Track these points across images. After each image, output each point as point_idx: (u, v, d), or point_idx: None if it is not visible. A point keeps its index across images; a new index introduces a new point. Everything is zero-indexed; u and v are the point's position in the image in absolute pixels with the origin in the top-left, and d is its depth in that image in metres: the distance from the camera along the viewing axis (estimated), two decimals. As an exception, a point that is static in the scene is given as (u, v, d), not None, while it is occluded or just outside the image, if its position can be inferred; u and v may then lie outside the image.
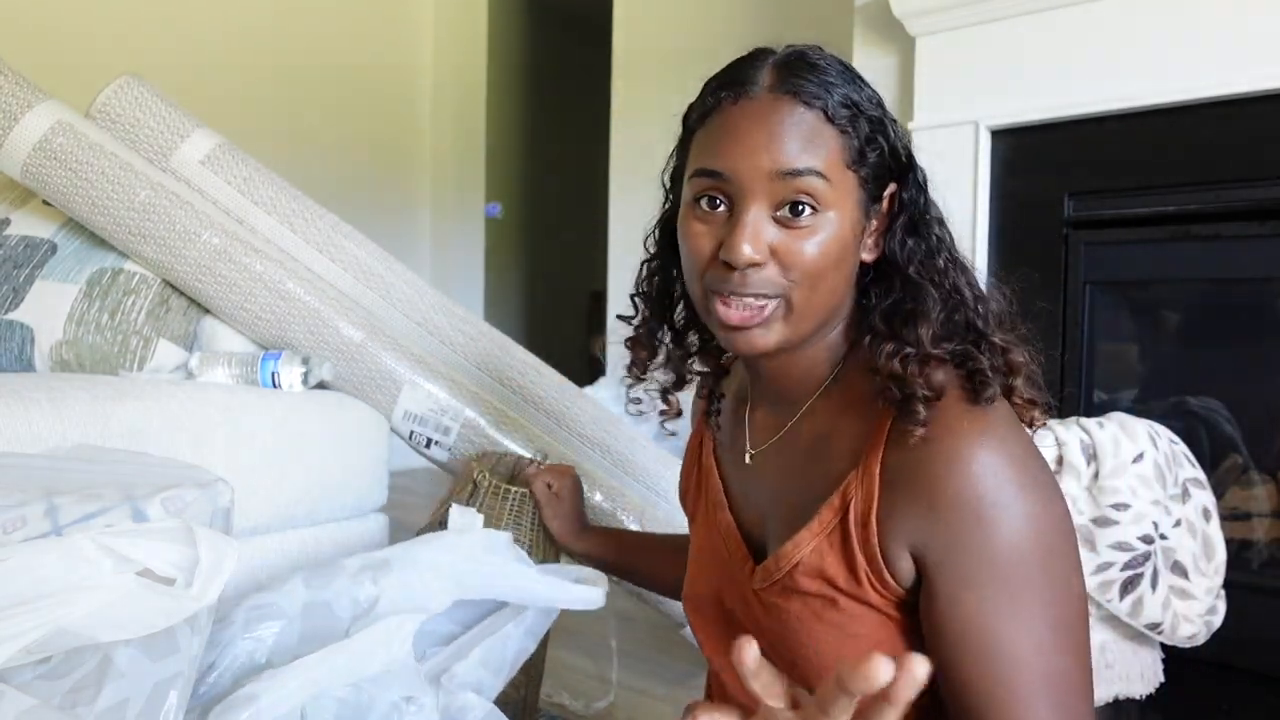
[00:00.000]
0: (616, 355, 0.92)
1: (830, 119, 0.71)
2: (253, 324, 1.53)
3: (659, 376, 0.90)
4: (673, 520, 1.58)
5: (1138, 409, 1.80)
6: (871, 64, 2.11)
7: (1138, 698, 1.31)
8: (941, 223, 0.78)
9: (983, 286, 0.78)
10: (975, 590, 0.66)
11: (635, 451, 1.65)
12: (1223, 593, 1.30)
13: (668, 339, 0.89)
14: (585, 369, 4.49)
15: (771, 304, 0.72)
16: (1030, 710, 0.65)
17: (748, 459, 0.84)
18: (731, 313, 0.73)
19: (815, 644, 0.74)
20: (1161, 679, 1.33)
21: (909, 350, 0.71)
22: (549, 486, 1.20)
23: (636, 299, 0.90)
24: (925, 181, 0.77)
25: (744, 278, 0.71)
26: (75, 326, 1.49)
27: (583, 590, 1.01)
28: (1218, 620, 1.29)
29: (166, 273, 1.51)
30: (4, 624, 0.67)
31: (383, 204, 3.79)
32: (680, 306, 0.88)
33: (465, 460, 1.25)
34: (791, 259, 0.71)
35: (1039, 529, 0.67)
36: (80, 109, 1.56)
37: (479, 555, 0.99)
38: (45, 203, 1.58)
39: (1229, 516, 1.67)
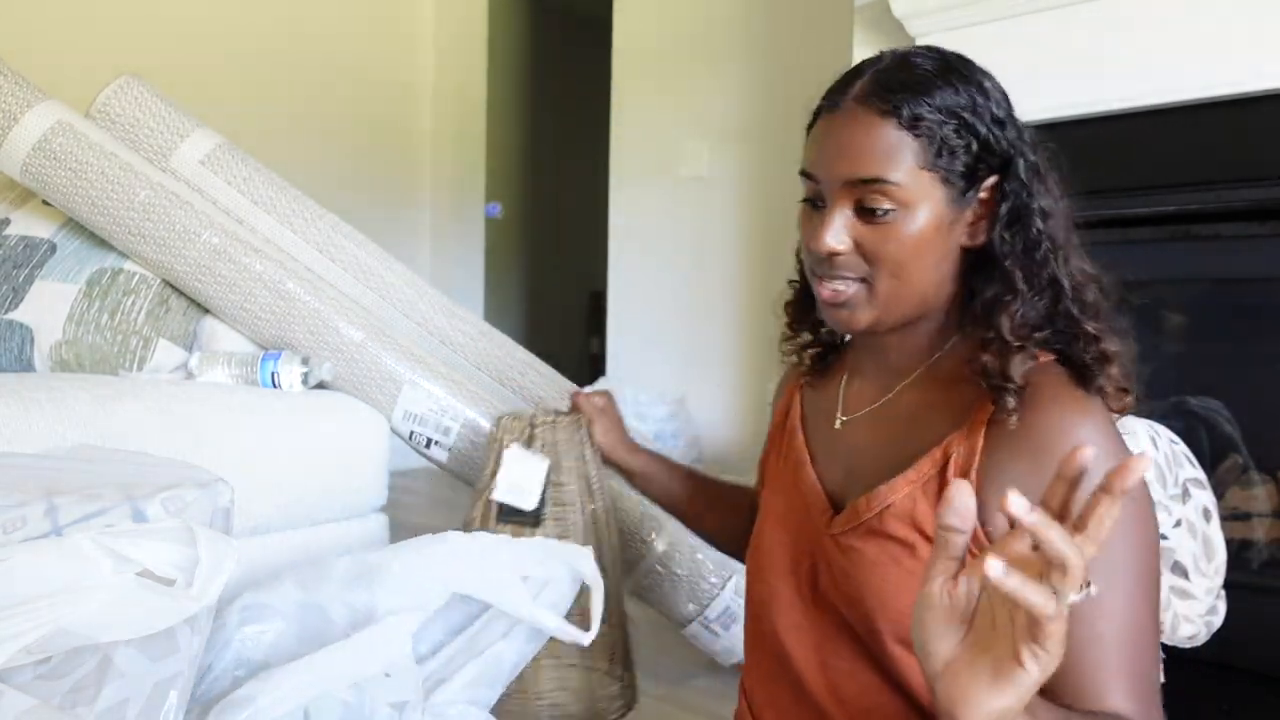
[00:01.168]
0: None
1: (905, 126, 0.77)
2: (252, 324, 1.53)
3: (802, 338, 0.99)
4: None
5: (1138, 409, 1.80)
6: (871, 64, 2.11)
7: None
8: (1047, 214, 0.81)
9: (1088, 275, 0.82)
10: None
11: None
12: (1223, 593, 1.30)
13: (809, 309, 0.98)
14: (585, 369, 4.49)
15: (854, 287, 0.81)
16: (1114, 659, 0.71)
17: (838, 424, 0.91)
18: (823, 291, 0.83)
19: (883, 587, 0.78)
20: (1162, 679, 1.33)
21: (992, 340, 0.78)
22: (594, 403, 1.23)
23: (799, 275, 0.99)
24: (1033, 173, 0.81)
25: (830, 263, 0.81)
26: (75, 326, 1.49)
27: (571, 630, 0.98)
28: (1218, 620, 1.29)
29: (166, 273, 1.51)
30: (4, 624, 0.67)
31: (383, 204, 3.79)
32: None
33: (498, 421, 1.23)
34: (871, 250, 0.80)
35: (1135, 491, 0.73)
36: (80, 109, 1.56)
37: (473, 562, 0.98)
38: (45, 203, 1.58)
39: (1229, 516, 1.67)
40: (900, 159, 0.77)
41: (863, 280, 0.81)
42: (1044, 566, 0.52)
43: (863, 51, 2.14)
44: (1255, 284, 1.71)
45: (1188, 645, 1.28)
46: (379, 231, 2.69)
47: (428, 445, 1.56)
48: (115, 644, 0.74)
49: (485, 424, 1.55)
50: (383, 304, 1.66)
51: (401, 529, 1.49)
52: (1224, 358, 1.80)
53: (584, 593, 1.02)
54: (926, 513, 0.77)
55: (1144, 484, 0.76)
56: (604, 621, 1.07)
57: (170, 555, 0.75)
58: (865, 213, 0.79)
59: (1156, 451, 1.28)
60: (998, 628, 0.54)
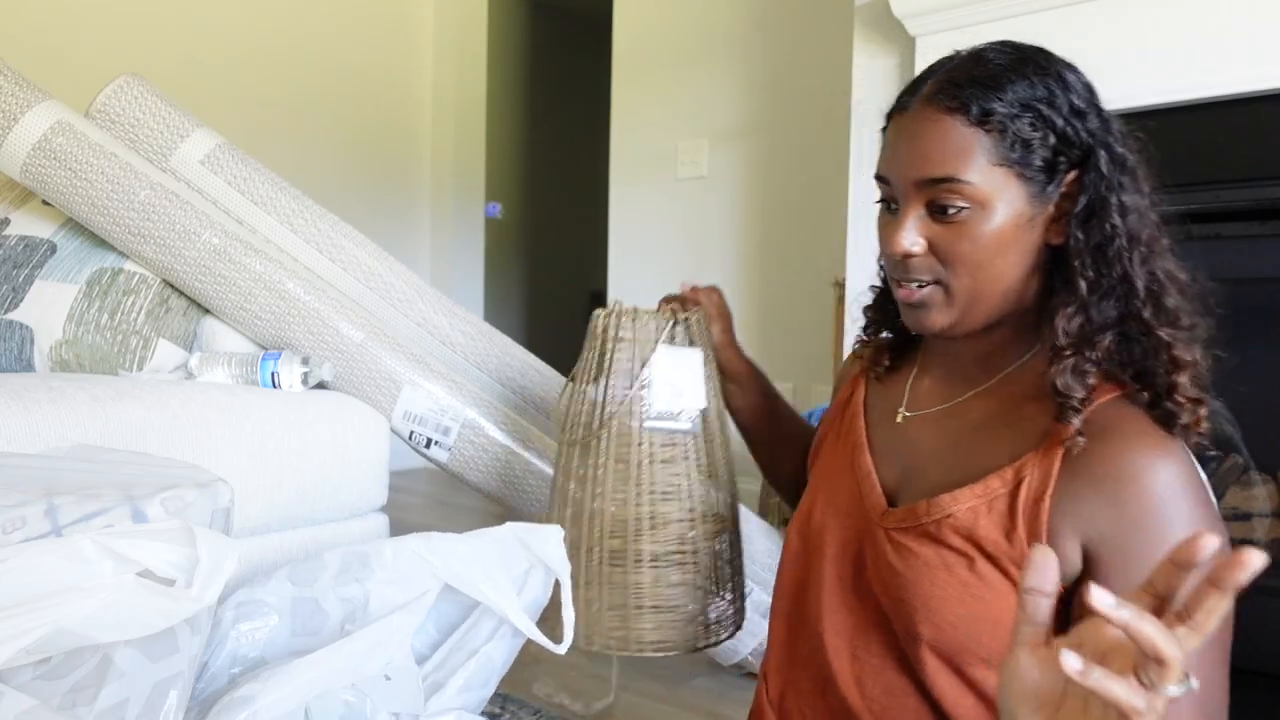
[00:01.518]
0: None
1: (976, 123, 0.76)
2: (252, 324, 1.53)
3: (879, 340, 0.99)
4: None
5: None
6: (871, 64, 2.11)
7: (1138, 698, 1.31)
8: (1127, 209, 0.77)
9: (1172, 276, 0.78)
10: (1134, 583, 0.68)
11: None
12: (1223, 593, 1.30)
13: (890, 311, 0.97)
14: (585, 369, 4.48)
15: (929, 289, 0.80)
16: (1175, 715, 0.67)
17: (900, 418, 0.90)
18: (900, 292, 0.83)
19: (931, 592, 0.77)
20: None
21: (1054, 352, 0.75)
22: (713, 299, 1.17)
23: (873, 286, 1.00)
24: (1116, 166, 0.77)
25: (905, 265, 0.81)
26: (75, 326, 1.49)
27: (542, 638, 0.95)
28: (1218, 620, 1.29)
29: (166, 273, 1.51)
30: (4, 624, 0.67)
31: (383, 204, 3.79)
32: None
33: (606, 316, 1.07)
34: (946, 251, 0.78)
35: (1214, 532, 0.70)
36: (80, 109, 1.56)
37: (466, 553, 0.98)
38: (45, 203, 1.58)
39: (1229, 516, 1.67)
40: (971, 156, 0.76)
41: (937, 282, 0.80)
42: (1138, 656, 0.49)
43: (863, 51, 2.14)
44: (1255, 284, 1.71)
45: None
46: (379, 231, 2.70)
47: (428, 445, 1.56)
48: (115, 644, 0.74)
49: (485, 424, 1.55)
50: (383, 304, 1.66)
51: (401, 529, 1.49)
52: (1224, 358, 1.79)
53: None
54: (989, 530, 0.74)
55: (1215, 515, 0.72)
56: (715, 537, 1.07)
57: (170, 555, 0.75)
58: (938, 212, 0.78)
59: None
60: (1090, 713, 0.51)
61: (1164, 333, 0.75)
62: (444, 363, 1.64)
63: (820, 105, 2.72)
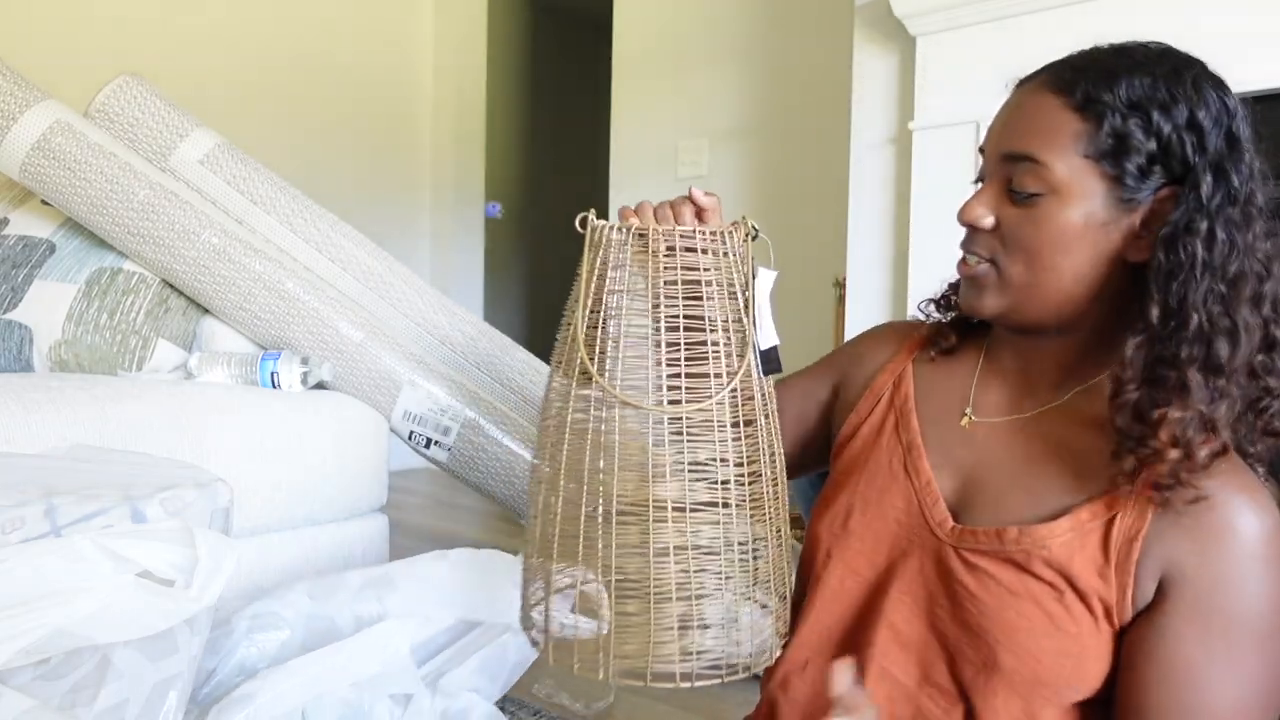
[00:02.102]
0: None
1: (1077, 108, 0.72)
2: (252, 324, 1.52)
3: (945, 316, 0.92)
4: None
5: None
6: (871, 64, 2.11)
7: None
8: (1214, 240, 0.70)
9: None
10: (1208, 633, 0.68)
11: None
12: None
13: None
14: (585, 369, 4.48)
15: (983, 266, 0.77)
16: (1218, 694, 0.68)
17: (966, 422, 0.83)
18: (960, 265, 0.80)
19: (1017, 623, 0.73)
20: None
21: (1124, 393, 0.70)
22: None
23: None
24: (1225, 198, 0.70)
25: (969, 237, 0.78)
26: (74, 326, 1.48)
27: None
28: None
29: (166, 273, 1.51)
30: (4, 624, 0.67)
31: (383, 204, 3.79)
32: None
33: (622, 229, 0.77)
34: (1010, 232, 0.75)
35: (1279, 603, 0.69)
36: (79, 109, 1.56)
37: (482, 576, 0.98)
38: (44, 202, 1.57)
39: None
40: (1060, 141, 0.72)
41: (992, 262, 0.76)
42: None
43: (863, 51, 2.14)
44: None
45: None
46: (379, 231, 2.69)
47: (427, 445, 1.56)
48: (114, 645, 0.73)
49: (485, 424, 1.55)
50: (382, 304, 1.66)
51: (401, 529, 1.49)
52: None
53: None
54: (1084, 566, 0.71)
55: None
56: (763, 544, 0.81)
57: (169, 556, 0.75)
58: (1015, 193, 0.74)
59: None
60: None
61: (1192, 375, 0.68)
62: (444, 363, 1.64)
63: (820, 105, 2.72)
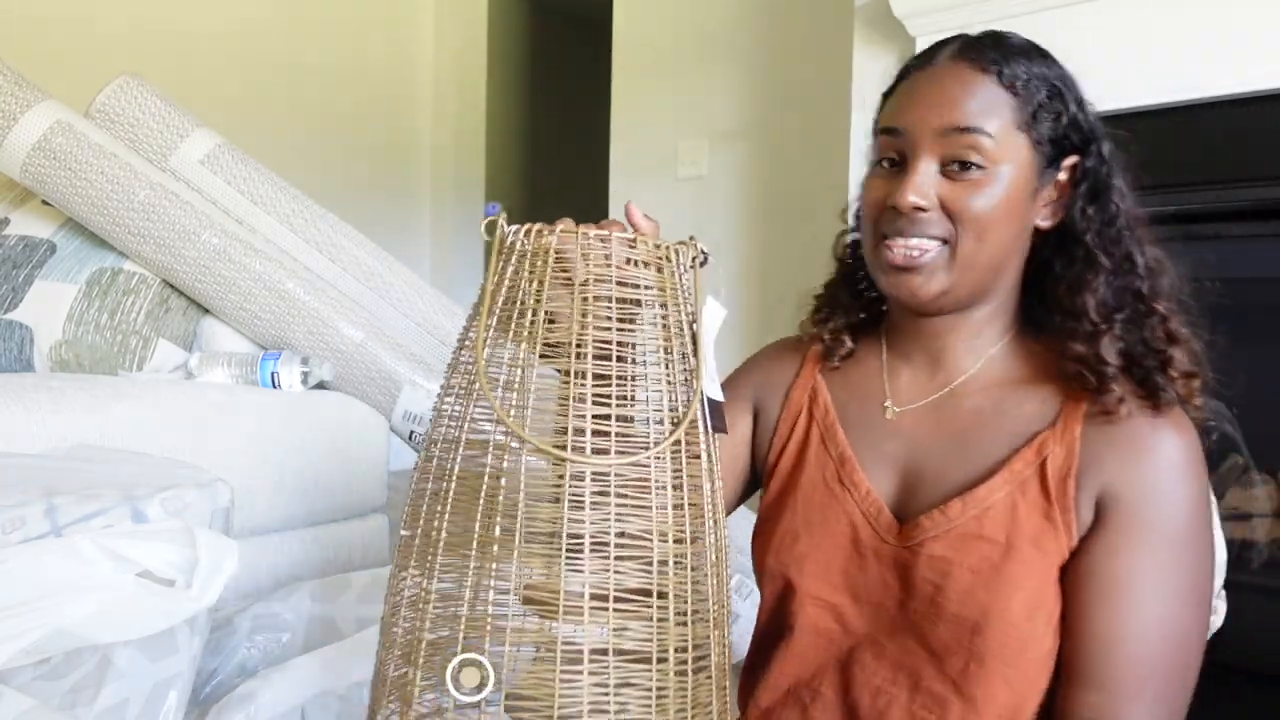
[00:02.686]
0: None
1: (1004, 84, 0.77)
2: (252, 324, 1.53)
3: (836, 322, 0.91)
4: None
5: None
6: (871, 64, 2.10)
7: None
8: (1123, 194, 0.80)
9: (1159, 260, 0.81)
10: (1139, 545, 0.73)
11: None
12: (1224, 593, 1.30)
13: (847, 294, 0.92)
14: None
15: (935, 248, 0.77)
16: (1146, 666, 0.72)
17: (890, 414, 0.84)
18: (896, 255, 0.78)
19: (988, 597, 0.74)
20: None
21: (1086, 327, 0.76)
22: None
23: (836, 260, 0.95)
24: (1111, 156, 0.81)
25: (910, 221, 0.77)
26: (74, 326, 1.49)
27: None
28: (1219, 621, 1.29)
29: (166, 273, 1.51)
30: (4, 624, 0.67)
31: (383, 204, 3.79)
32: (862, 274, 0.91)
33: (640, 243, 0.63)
34: (957, 208, 0.76)
35: (1204, 510, 0.75)
36: (80, 109, 1.56)
37: None
38: (44, 202, 1.58)
39: (1229, 517, 1.67)
40: (997, 114, 0.76)
41: (944, 241, 0.77)
42: None
43: (863, 51, 2.14)
44: (1255, 284, 1.71)
45: (1188, 645, 1.28)
46: (379, 231, 2.70)
47: (428, 445, 1.56)
48: (115, 644, 0.74)
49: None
50: (383, 304, 1.66)
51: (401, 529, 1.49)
52: (1225, 358, 1.79)
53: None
54: (1027, 513, 0.75)
55: (1210, 507, 0.77)
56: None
57: (170, 556, 0.75)
58: (953, 169, 0.76)
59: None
60: None
61: (1162, 306, 0.78)
62: (444, 363, 1.64)
63: (820, 105, 2.72)
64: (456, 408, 0.61)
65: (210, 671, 0.91)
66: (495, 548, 0.56)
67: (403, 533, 0.63)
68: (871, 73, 2.13)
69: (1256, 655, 1.62)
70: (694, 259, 0.64)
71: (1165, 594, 0.73)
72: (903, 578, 0.78)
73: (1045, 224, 0.81)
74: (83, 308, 1.49)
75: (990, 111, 0.76)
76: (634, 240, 0.60)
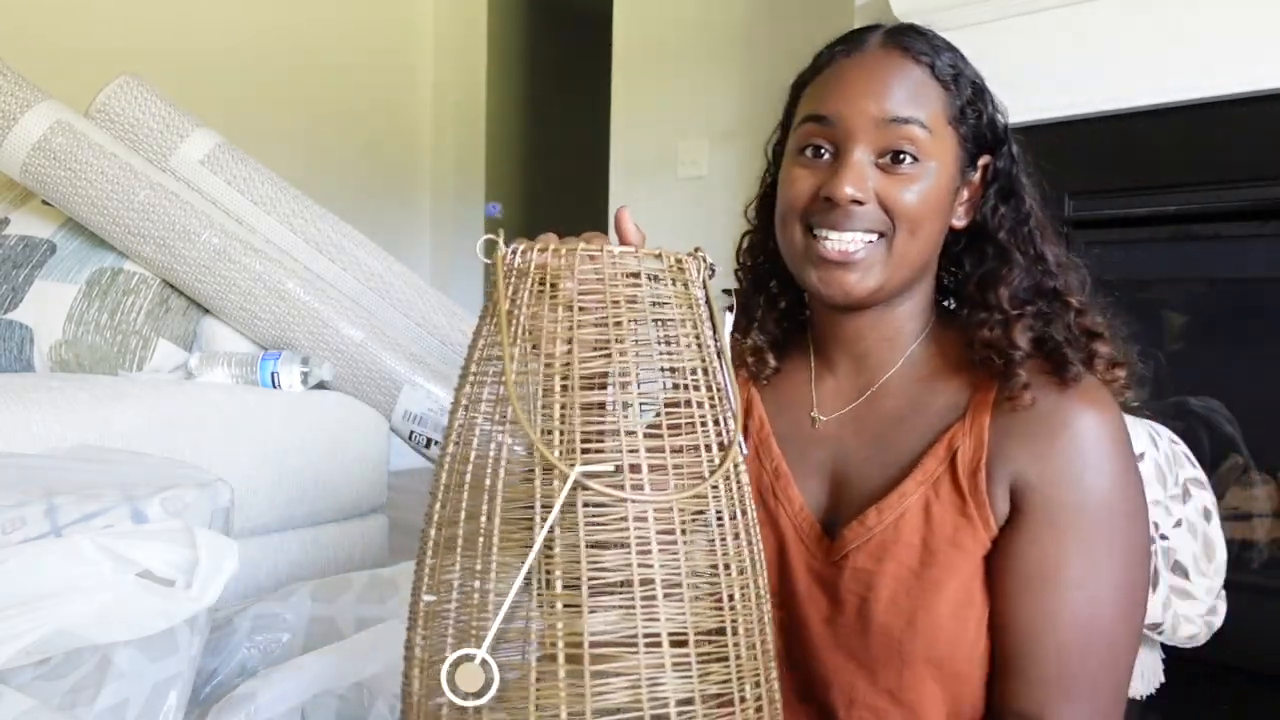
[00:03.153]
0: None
1: (936, 76, 0.75)
2: (252, 324, 1.53)
3: (755, 339, 0.87)
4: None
5: (1139, 409, 1.80)
6: (871, 64, 2.10)
7: (1138, 698, 1.31)
8: (1032, 194, 0.81)
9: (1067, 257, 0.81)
10: (1058, 531, 0.70)
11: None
12: (1223, 593, 1.30)
13: (762, 302, 0.87)
14: (585, 369, 4.47)
15: (871, 241, 0.74)
16: (1073, 656, 0.70)
17: (817, 424, 0.82)
18: (829, 249, 0.74)
19: (912, 604, 0.73)
20: (1162, 679, 1.33)
21: (997, 316, 0.75)
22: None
23: (737, 270, 0.91)
24: (1019, 156, 0.81)
25: (846, 215, 0.73)
26: (74, 326, 1.49)
27: None
28: (1218, 620, 1.29)
29: (166, 273, 1.51)
30: (4, 624, 0.67)
31: (383, 204, 3.79)
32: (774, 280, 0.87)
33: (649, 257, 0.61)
34: (893, 202, 0.73)
35: (1129, 491, 0.72)
36: (80, 109, 1.56)
37: None
38: (45, 202, 1.58)
39: (1229, 516, 1.67)
40: (931, 106, 0.74)
41: (880, 234, 0.74)
42: None
43: (863, 51, 2.14)
44: (1255, 284, 1.71)
45: (1188, 645, 1.28)
46: (379, 231, 2.70)
47: (428, 445, 1.56)
48: (115, 644, 0.74)
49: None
50: (383, 304, 1.66)
51: (401, 529, 1.49)
52: (1224, 358, 1.79)
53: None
54: (941, 514, 0.73)
55: (1139, 490, 0.74)
56: None
57: (170, 556, 0.75)
58: (886, 161, 0.73)
59: (1157, 451, 1.27)
60: None
61: (1075, 300, 0.77)
62: (444, 362, 1.64)
63: (820, 105, 2.73)
64: (484, 437, 0.57)
65: (210, 671, 0.91)
66: (559, 604, 0.51)
67: (426, 598, 0.58)
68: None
69: (1256, 655, 1.62)
70: (701, 271, 0.61)
71: (1090, 582, 0.70)
72: (829, 593, 0.77)
73: (960, 223, 0.80)
74: (83, 308, 1.49)
75: (924, 103, 0.74)
76: (659, 253, 0.58)
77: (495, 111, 4.12)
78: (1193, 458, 1.33)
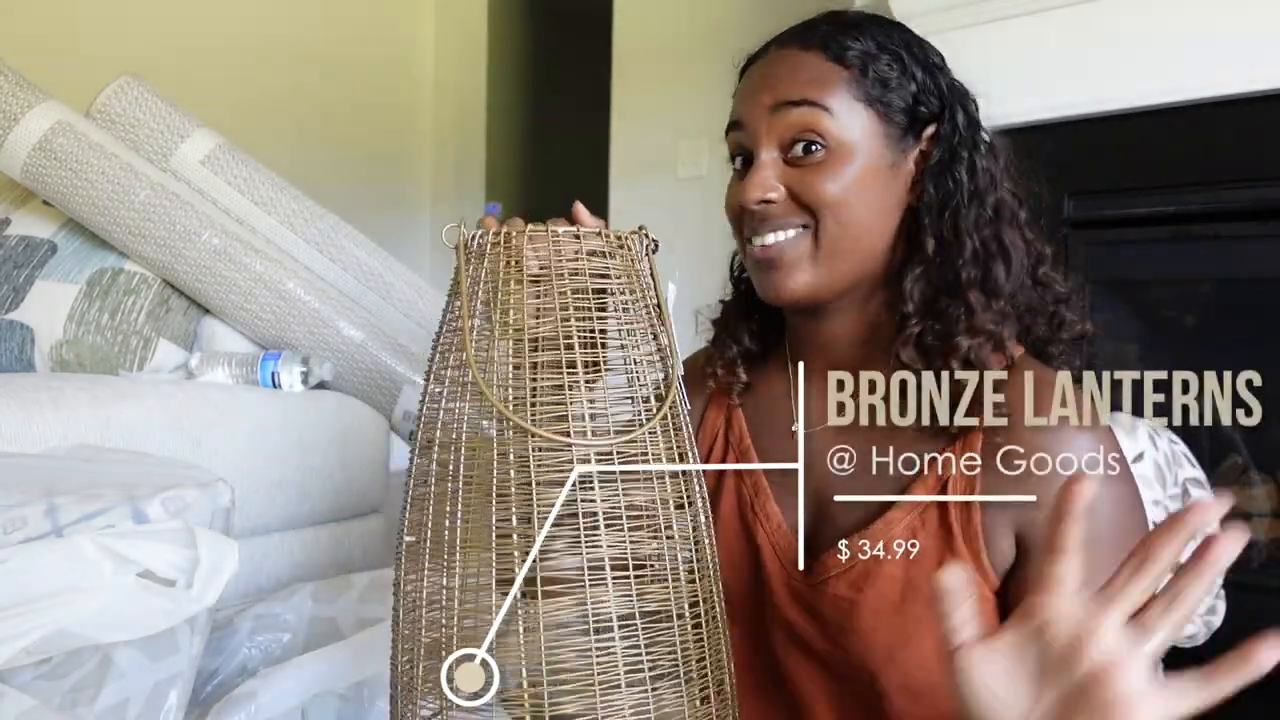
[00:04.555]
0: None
1: (832, 58, 0.73)
2: (253, 324, 1.53)
3: (727, 351, 0.85)
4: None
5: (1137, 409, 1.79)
6: (871, 64, 2.10)
7: (1138, 698, 1.30)
8: (975, 169, 0.74)
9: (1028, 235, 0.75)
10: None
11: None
12: (1223, 593, 1.30)
13: (735, 314, 0.87)
14: (585, 369, 4.47)
15: (793, 236, 0.73)
16: None
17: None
18: (757, 251, 0.74)
19: (890, 638, 0.70)
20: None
21: (902, 316, 0.71)
22: None
23: (729, 281, 0.90)
24: (970, 126, 0.75)
25: (763, 217, 0.73)
26: (75, 326, 1.49)
27: None
28: (1218, 620, 1.29)
29: (166, 273, 1.51)
30: (4, 624, 0.67)
31: (383, 204, 3.79)
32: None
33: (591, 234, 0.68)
34: (807, 193, 0.72)
35: (1134, 508, 0.70)
36: (80, 109, 1.56)
37: None
38: (45, 203, 1.58)
39: (1229, 516, 1.67)
40: (831, 87, 0.72)
41: (804, 227, 0.72)
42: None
43: (863, 51, 2.14)
44: (1255, 284, 1.71)
45: (1187, 645, 1.28)
46: (379, 231, 2.69)
47: (428, 445, 1.56)
48: (115, 644, 0.74)
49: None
50: (383, 304, 1.66)
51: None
52: (1224, 358, 1.79)
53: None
54: (929, 548, 0.69)
55: (1138, 501, 0.72)
56: None
57: (170, 556, 0.75)
58: (796, 155, 0.72)
59: (1156, 451, 1.27)
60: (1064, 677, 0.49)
61: (973, 296, 0.70)
62: (444, 363, 1.64)
63: (820, 105, 2.73)
64: (450, 406, 0.65)
65: (211, 671, 0.91)
66: (515, 537, 0.59)
67: (407, 539, 0.66)
68: (871, 73, 2.13)
69: (1256, 655, 1.61)
70: (647, 246, 0.69)
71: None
72: (807, 613, 0.75)
73: (915, 201, 0.75)
74: (83, 308, 1.49)
75: (820, 85, 0.72)
76: (598, 231, 0.65)
77: (495, 111, 4.12)
78: (1192, 458, 1.33)
